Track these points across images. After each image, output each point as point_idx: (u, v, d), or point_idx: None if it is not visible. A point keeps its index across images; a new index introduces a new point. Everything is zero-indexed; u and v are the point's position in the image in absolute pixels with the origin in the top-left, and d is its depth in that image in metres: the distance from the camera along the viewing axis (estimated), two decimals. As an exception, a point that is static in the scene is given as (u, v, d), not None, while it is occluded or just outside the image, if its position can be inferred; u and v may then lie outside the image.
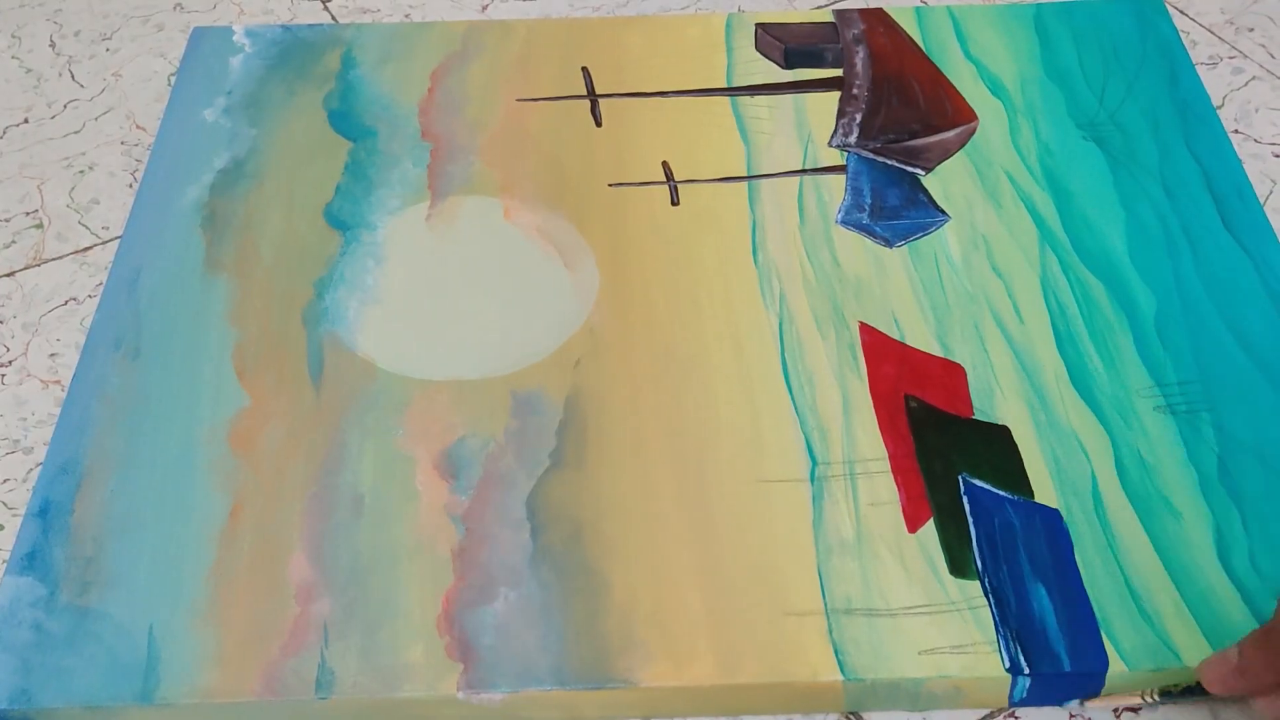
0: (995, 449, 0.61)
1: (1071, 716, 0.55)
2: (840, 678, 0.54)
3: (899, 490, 0.60)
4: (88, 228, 0.75)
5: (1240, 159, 0.74)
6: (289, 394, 0.64)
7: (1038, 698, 0.55)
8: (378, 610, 0.56)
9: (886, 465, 0.61)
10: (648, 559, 0.57)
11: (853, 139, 0.75)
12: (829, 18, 0.82)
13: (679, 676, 0.54)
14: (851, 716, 0.55)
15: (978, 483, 0.60)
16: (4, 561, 0.59)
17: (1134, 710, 0.55)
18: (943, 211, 0.72)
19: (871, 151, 0.75)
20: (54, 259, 0.73)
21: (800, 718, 0.55)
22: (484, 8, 0.89)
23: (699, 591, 0.56)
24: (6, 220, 0.75)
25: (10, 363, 0.68)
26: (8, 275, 0.72)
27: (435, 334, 0.66)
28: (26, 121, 0.81)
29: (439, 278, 0.69)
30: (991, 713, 0.55)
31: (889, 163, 0.74)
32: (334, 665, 0.54)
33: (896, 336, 0.66)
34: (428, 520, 0.59)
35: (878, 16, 0.82)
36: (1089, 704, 0.55)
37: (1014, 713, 0.55)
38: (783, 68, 0.79)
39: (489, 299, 0.68)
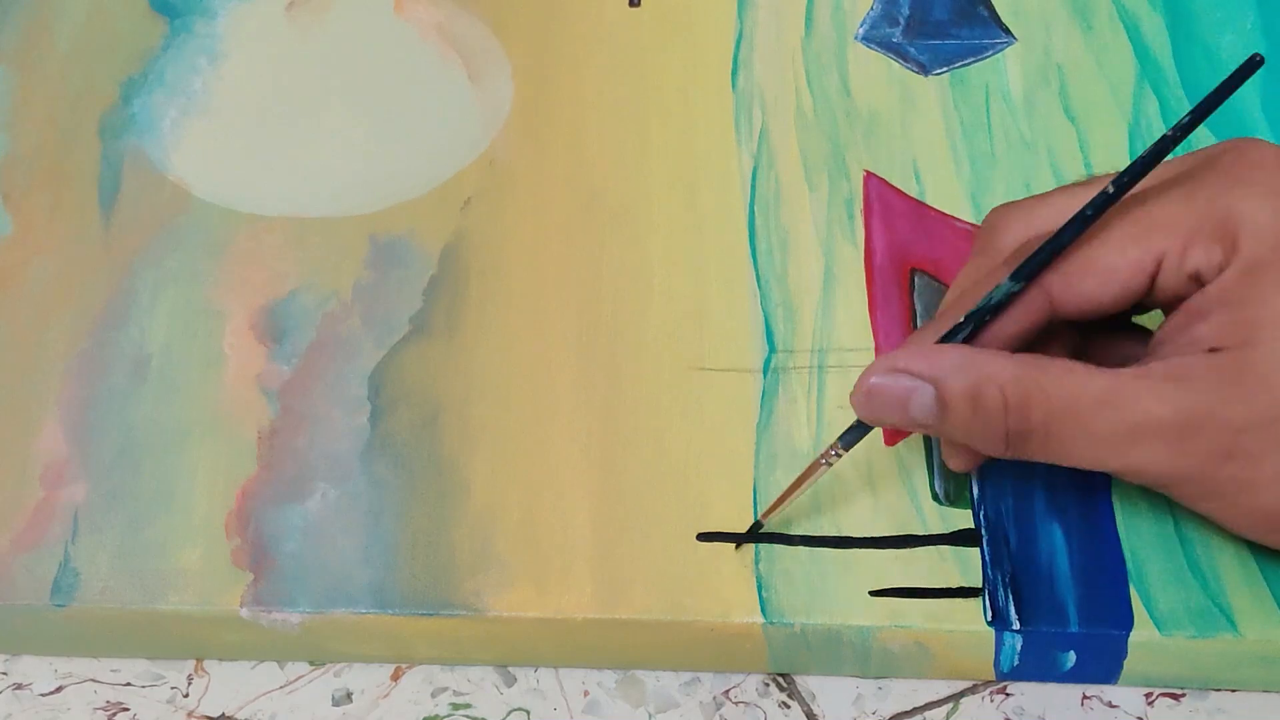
0: (1025, 343, 0.65)
1: (1086, 699, 0.59)
2: (760, 620, 0.58)
3: (882, 389, 0.64)
4: None
5: None
6: (68, 222, 0.70)
7: (1035, 667, 0.59)
8: (148, 501, 0.62)
9: (871, 358, 0.65)
10: (525, 457, 0.63)
11: (893, -73, 0.80)
12: None
13: (543, 606, 0.59)
14: (781, 681, 0.60)
15: (993, 385, 0.64)
16: None
17: (1174, 697, 0.59)
18: (1007, 31, 0.76)
19: (917, -56, 0.79)
20: None
21: (709, 677, 0.60)
22: None
23: (588, 501, 0.61)
24: None
25: None
26: None
27: (277, 157, 0.72)
28: None
29: (293, 85, 0.75)
30: (974, 686, 0.60)
31: (940, -41, 0.79)
32: (80, 565, 0.60)
33: (914, 193, 0.70)
34: (233, 392, 0.65)
35: None
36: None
37: (1005, 688, 0.59)
38: None
39: (357, 116, 0.74)
